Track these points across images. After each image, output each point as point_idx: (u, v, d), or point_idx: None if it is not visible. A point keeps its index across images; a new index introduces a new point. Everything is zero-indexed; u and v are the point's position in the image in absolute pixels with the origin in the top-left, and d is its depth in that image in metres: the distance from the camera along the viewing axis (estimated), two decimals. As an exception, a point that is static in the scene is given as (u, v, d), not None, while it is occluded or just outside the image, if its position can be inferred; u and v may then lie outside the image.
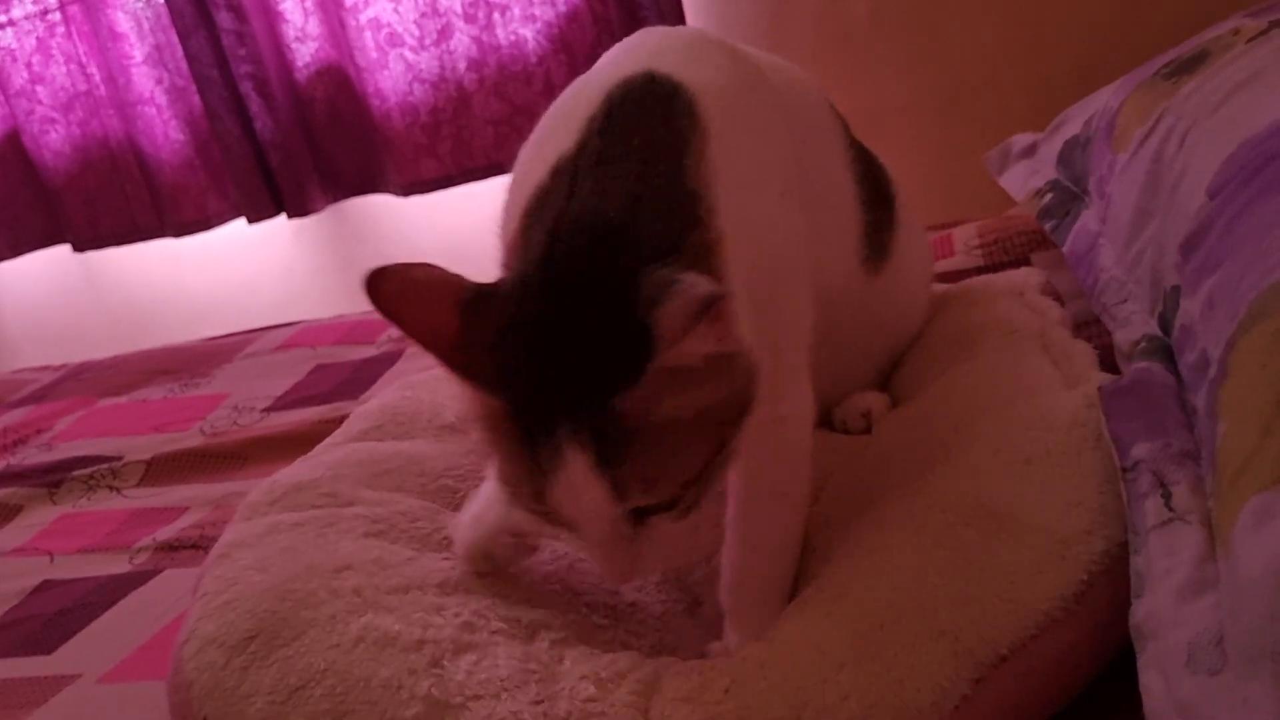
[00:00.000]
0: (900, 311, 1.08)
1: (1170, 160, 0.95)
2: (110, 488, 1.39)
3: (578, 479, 0.63)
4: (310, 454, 1.09)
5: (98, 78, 2.33)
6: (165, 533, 1.23)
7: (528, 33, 2.06)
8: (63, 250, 2.50)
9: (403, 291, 0.66)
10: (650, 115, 0.74)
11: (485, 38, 2.08)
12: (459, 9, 2.08)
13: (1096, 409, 0.81)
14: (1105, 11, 1.84)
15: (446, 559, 0.86)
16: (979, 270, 1.36)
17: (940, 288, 1.20)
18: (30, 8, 2.33)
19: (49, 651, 1.05)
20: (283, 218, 2.31)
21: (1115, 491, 0.74)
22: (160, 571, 1.15)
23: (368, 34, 2.14)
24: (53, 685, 0.98)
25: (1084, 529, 0.72)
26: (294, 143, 2.24)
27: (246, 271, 2.44)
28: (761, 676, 0.68)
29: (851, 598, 0.71)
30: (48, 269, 2.58)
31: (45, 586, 1.18)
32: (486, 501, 0.86)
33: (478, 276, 0.68)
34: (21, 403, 1.78)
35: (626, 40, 0.86)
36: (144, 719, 0.89)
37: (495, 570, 0.85)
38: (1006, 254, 1.38)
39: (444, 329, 0.66)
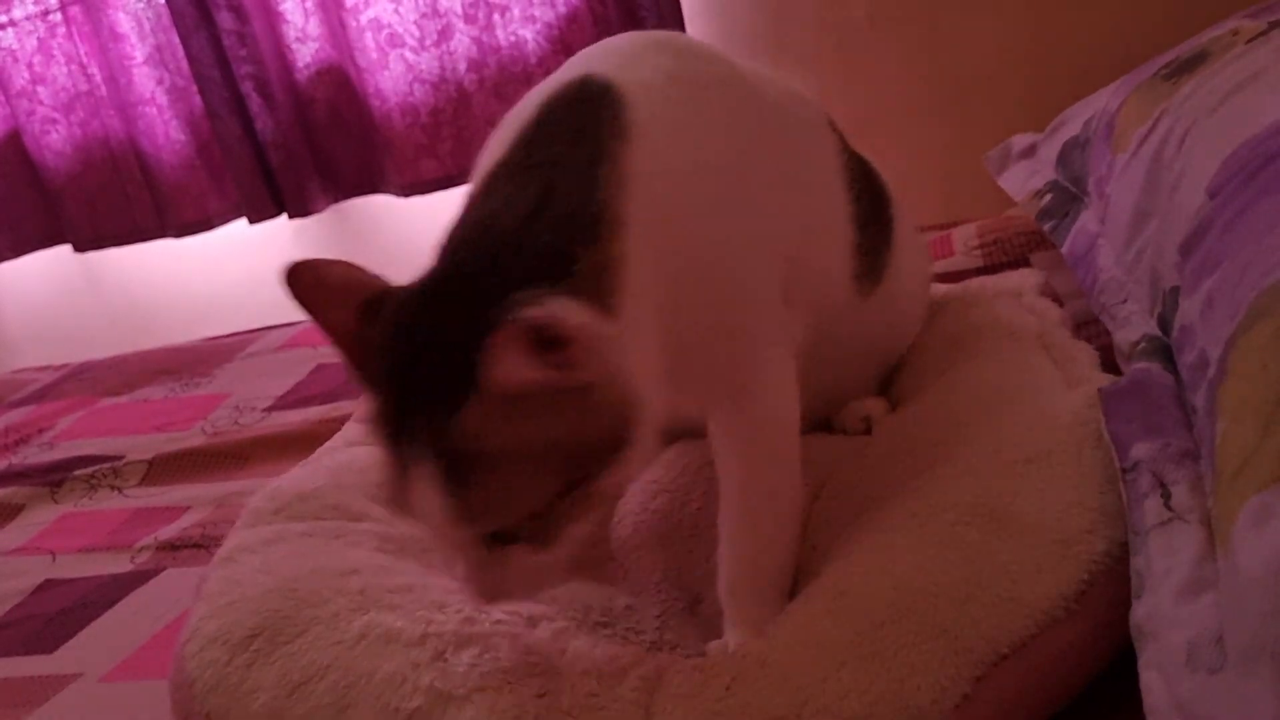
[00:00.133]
0: (892, 333, 1.06)
1: (1170, 160, 0.95)
2: (112, 487, 1.40)
3: (425, 496, 0.64)
4: (310, 459, 1.09)
5: (99, 78, 2.33)
6: (167, 532, 1.23)
7: (528, 34, 2.06)
8: (64, 250, 2.50)
9: (316, 287, 0.68)
10: (576, 122, 0.73)
11: (485, 38, 2.08)
12: (459, 10, 2.08)
13: (1098, 409, 0.81)
14: (1105, 12, 1.84)
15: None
16: (979, 271, 1.36)
17: (939, 288, 1.20)
18: (31, 8, 2.33)
19: (50, 651, 1.05)
20: (283, 218, 2.31)
21: (1116, 491, 0.74)
22: (162, 571, 1.15)
23: (368, 34, 2.14)
24: (54, 684, 0.98)
25: (1085, 528, 0.72)
26: (294, 143, 2.24)
27: (247, 271, 2.43)
28: (762, 674, 0.68)
29: (852, 596, 0.72)
30: (49, 269, 2.58)
31: (47, 586, 1.18)
32: None
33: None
34: (23, 402, 1.78)
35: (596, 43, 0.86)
36: (145, 718, 0.89)
37: None
38: (1006, 254, 1.38)
39: (348, 327, 0.68)
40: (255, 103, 2.20)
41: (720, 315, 0.76)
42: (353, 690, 0.71)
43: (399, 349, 0.66)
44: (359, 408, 1.22)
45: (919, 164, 1.95)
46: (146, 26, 2.26)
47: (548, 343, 0.61)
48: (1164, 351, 0.86)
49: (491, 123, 0.80)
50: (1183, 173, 0.91)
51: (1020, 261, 1.35)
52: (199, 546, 1.17)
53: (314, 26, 2.17)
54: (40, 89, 2.36)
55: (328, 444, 1.13)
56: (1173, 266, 0.87)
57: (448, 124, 2.15)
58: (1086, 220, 1.13)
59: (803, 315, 0.84)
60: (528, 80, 2.08)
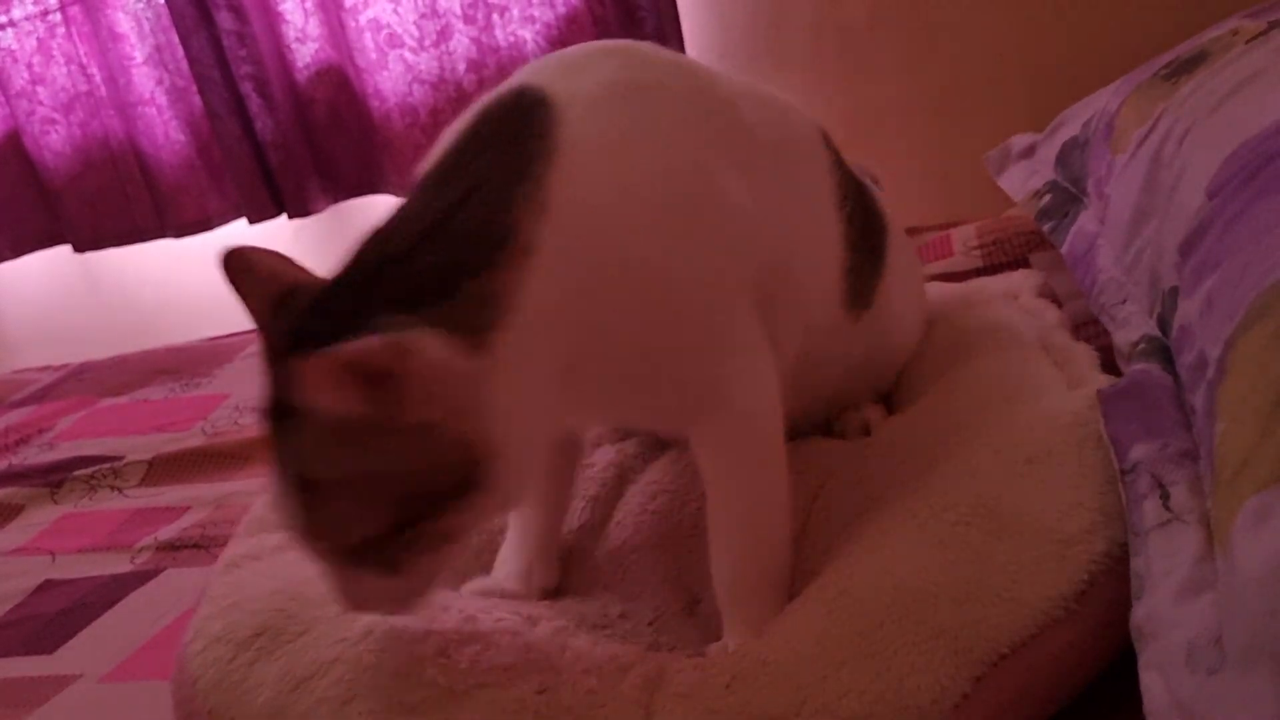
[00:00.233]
0: (881, 359, 1.03)
1: (1169, 161, 0.95)
2: (112, 487, 1.40)
3: (283, 506, 0.65)
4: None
5: (98, 78, 2.33)
6: (167, 532, 1.23)
7: (527, 34, 2.06)
8: (63, 251, 2.50)
9: (244, 274, 0.69)
10: (505, 136, 0.71)
11: (484, 39, 2.08)
12: (458, 10, 2.08)
13: (1098, 409, 0.81)
14: (1105, 12, 1.85)
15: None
16: (978, 271, 1.36)
17: (938, 288, 1.20)
18: (31, 8, 2.33)
19: (50, 651, 1.05)
20: (283, 218, 2.32)
21: (1116, 492, 0.74)
22: (161, 571, 1.15)
23: (367, 35, 2.14)
24: (54, 685, 0.98)
25: (1085, 529, 0.72)
26: (294, 143, 2.24)
27: (247, 272, 2.44)
28: (762, 673, 0.68)
29: (853, 596, 0.72)
30: (48, 269, 2.58)
31: (47, 586, 1.18)
32: (522, 529, 0.90)
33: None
34: (23, 403, 1.78)
35: None
36: (146, 719, 0.89)
37: (539, 592, 0.88)
38: (1005, 255, 1.38)
39: (265, 318, 0.68)
40: (255, 103, 2.20)
41: (669, 338, 0.73)
42: (357, 683, 0.71)
43: (274, 354, 0.66)
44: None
45: (919, 164, 1.95)
46: (146, 26, 2.26)
47: (374, 375, 0.59)
48: (1163, 352, 0.86)
49: (491, 123, 0.79)
50: (1182, 173, 0.91)
51: (1020, 262, 1.35)
52: (199, 547, 1.18)
53: (314, 27, 2.17)
54: (40, 89, 2.36)
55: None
56: (1172, 267, 0.87)
57: (447, 124, 2.11)
58: (1086, 221, 1.13)
59: (792, 331, 0.83)
60: (527, 80, 2.08)
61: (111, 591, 1.13)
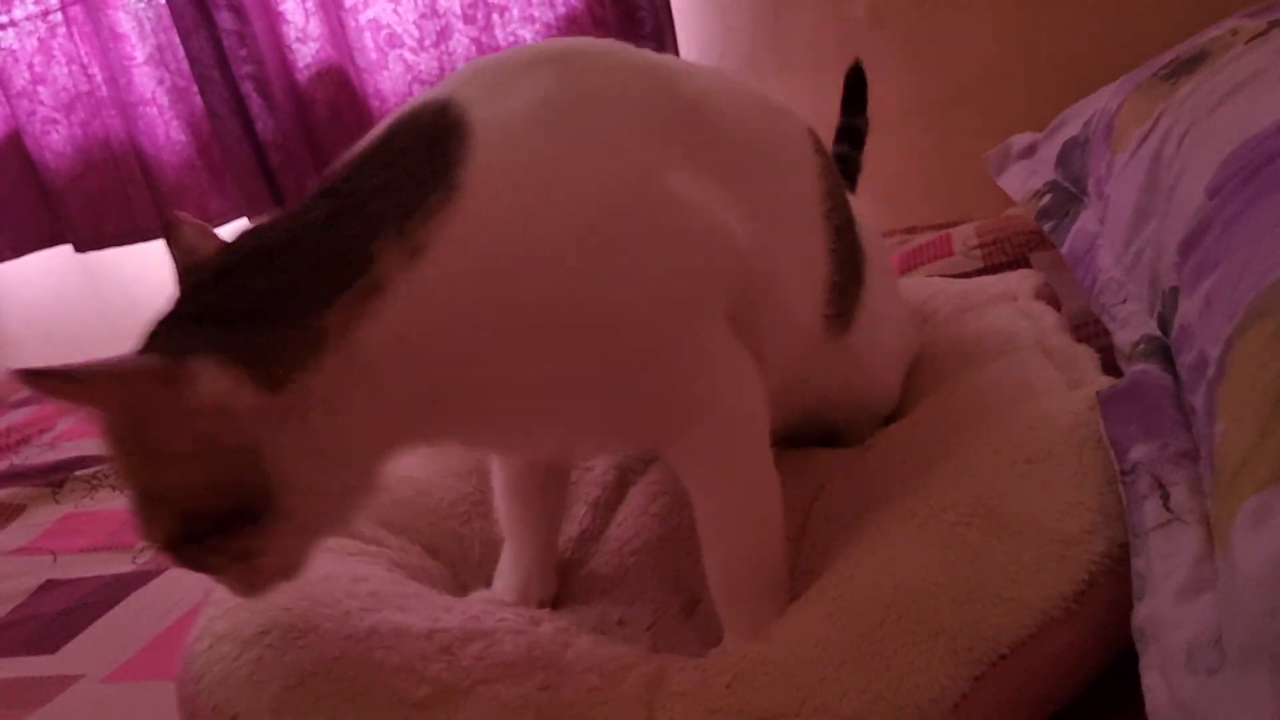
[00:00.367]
0: (857, 389, 0.99)
1: (1169, 160, 0.95)
2: (113, 487, 1.40)
3: None
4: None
5: (99, 78, 2.33)
6: (168, 532, 1.23)
7: (526, 34, 2.06)
8: (64, 251, 2.50)
9: (173, 244, 0.70)
10: (403, 164, 0.66)
11: (484, 39, 2.09)
12: (458, 10, 2.09)
13: (1098, 410, 0.81)
14: (1105, 12, 1.85)
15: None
16: (978, 271, 1.36)
17: (935, 283, 1.20)
18: (31, 8, 2.33)
19: (52, 651, 1.05)
20: (284, 218, 2.32)
21: (1117, 492, 0.74)
22: (163, 571, 1.15)
23: (368, 35, 2.14)
24: (56, 685, 0.98)
25: (1085, 529, 0.72)
26: (295, 143, 2.24)
27: (248, 271, 2.44)
28: (762, 672, 0.68)
29: (853, 596, 0.72)
30: (49, 269, 2.58)
31: (48, 586, 1.18)
32: (517, 544, 0.91)
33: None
34: (24, 402, 1.79)
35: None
36: (148, 719, 0.90)
37: (537, 604, 0.89)
38: (1005, 254, 1.38)
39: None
40: (255, 103, 2.20)
41: (615, 370, 0.70)
42: (362, 679, 0.72)
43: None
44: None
45: (919, 164, 1.95)
46: (147, 26, 2.26)
47: (141, 394, 0.61)
48: (1163, 352, 0.86)
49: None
50: (1182, 173, 0.91)
51: (1020, 262, 1.35)
52: (200, 547, 1.17)
53: (314, 26, 2.17)
54: (41, 89, 2.36)
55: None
56: (1172, 267, 0.87)
57: (448, 124, 2.15)
58: (1086, 220, 1.13)
59: (777, 340, 0.81)
60: (528, 80, 2.08)
61: (113, 591, 1.13)
